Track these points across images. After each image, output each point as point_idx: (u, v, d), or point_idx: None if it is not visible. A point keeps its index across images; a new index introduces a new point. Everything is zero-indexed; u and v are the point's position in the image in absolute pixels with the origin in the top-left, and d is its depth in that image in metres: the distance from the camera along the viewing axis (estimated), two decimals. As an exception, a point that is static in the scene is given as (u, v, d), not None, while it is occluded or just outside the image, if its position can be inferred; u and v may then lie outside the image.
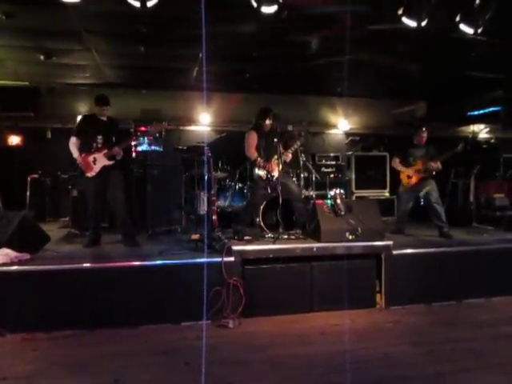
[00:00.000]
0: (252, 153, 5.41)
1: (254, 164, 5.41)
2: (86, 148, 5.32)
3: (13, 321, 3.93)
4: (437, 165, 6.14)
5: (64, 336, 3.88)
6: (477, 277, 5.12)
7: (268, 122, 5.40)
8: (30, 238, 4.72)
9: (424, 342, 3.85)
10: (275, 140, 5.33)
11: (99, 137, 5.33)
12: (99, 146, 5.32)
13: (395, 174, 6.84)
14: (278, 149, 5.27)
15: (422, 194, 6.25)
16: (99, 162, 5.27)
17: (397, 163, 6.58)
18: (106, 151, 5.29)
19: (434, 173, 6.23)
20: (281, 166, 5.36)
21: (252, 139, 5.44)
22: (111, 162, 5.33)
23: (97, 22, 5.58)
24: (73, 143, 5.34)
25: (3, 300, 3.95)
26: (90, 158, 5.26)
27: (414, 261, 5.05)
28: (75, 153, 5.31)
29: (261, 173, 5.34)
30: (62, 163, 7.78)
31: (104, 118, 5.48)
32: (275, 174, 5.30)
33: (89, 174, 5.27)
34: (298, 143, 5.67)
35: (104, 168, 5.29)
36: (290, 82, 8.34)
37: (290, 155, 5.57)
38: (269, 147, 5.42)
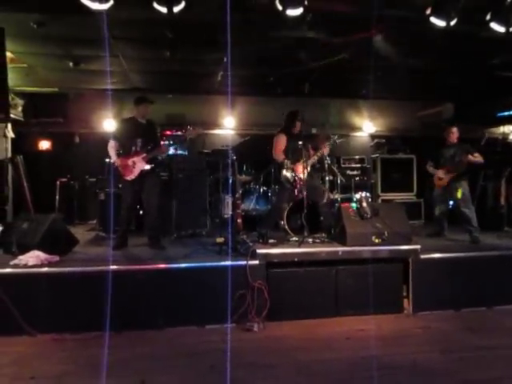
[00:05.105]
0: (280, 155, 5.45)
1: (281, 166, 5.43)
2: (124, 151, 5.28)
3: (43, 321, 4.01)
4: (476, 157, 5.99)
5: (91, 337, 3.93)
6: (508, 282, 4.97)
7: (298, 125, 5.44)
8: (59, 241, 4.84)
9: (453, 349, 3.76)
10: (300, 143, 5.34)
11: (138, 140, 5.25)
12: (138, 149, 5.24)
13: (422, 176, 6.71)
14: (304, 152, 5.28)
15: (454, 197, 6.10)
16: (138, 165, 5.19)
17: (430, 168, 6.47)
18: (144, 155, 5.21)
19: (464, 175, 6.08)
20: (309, 169, 5.37)
21: (281, 141, 5.49)
22: (150, 166, 5.25)
23: (124, 29, 5.68)
24: (111, 146, 5.30)
25: (34, 301, 4.04)
26: (129, 162, 5.19)
27: (443, 265, 4.93)
28: (113, 156, 5.28)
29: (288, 175, 5.36)
30: (90, 167, 7.96)
31: (143, 121, 5.39)
32: (302, 176, 5.29)
33: (128, 178, 5.21)
34: (331, 142, 5.68)
35: (142, 172, 5.22)
36: (315, 85, 8.29)
37: (325, 152, 5.61)
38: (296, 150, 5.44)
